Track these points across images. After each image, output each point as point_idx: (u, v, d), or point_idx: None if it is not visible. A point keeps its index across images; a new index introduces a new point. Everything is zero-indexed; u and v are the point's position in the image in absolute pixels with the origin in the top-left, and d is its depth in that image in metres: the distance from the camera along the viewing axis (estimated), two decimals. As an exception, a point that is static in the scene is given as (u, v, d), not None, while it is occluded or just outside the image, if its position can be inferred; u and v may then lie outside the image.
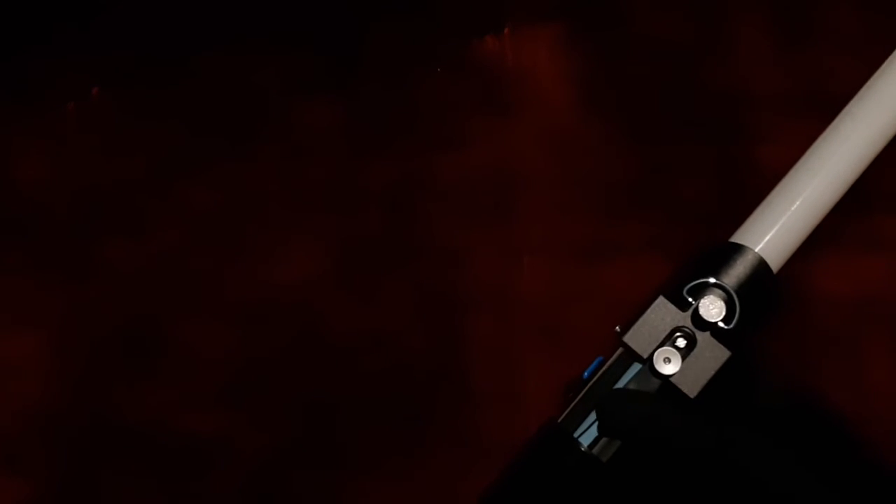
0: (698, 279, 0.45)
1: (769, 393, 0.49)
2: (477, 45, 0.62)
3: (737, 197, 0.56)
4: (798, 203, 0.46)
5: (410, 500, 0.55)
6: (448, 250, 0.58)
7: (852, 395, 0.54)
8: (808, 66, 0.59)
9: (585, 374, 0.46)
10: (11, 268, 0.61)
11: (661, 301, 0.45)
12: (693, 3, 0.61)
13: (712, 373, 0.43)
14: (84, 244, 0.61)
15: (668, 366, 0.43)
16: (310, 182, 0.60)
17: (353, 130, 0.61)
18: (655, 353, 0.44)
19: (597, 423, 0.44)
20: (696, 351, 0.44)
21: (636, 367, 0.45)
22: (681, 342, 0.44)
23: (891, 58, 0.49)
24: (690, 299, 0.44)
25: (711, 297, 0.44)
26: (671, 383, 0.43)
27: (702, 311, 0.44)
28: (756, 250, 0.45)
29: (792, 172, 0.48)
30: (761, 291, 0.45)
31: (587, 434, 0.44)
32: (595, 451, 0.44)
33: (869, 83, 0.49)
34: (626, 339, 0.44)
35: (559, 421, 0.45)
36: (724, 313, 0.44)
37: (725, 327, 0.44)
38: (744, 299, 0.44)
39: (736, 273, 0.45)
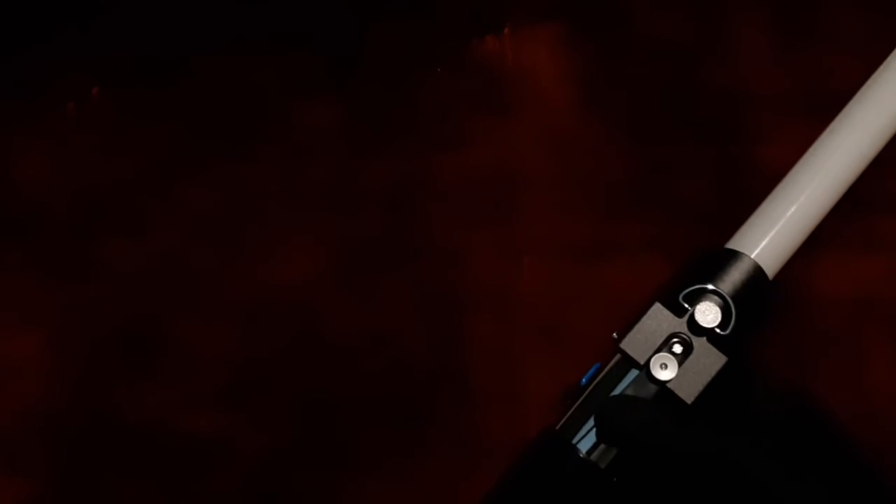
0: (694, 285, 0.45)
1: (769, 394, 0.49)
2: (477, 45, 0.62)
3: (737, 197, 0.56)
4: (793, 209, 0.46)
5: (410, 500, 0.55)
6: (448, 250, 0.58)
7: (852, 395, 0.54)
8: (808, 66, 0.59)
9: (583, 380, 0.46)
10: (11, 268, 0.61)
11: (657, 307, 0.45)
12: (693, 3, 0.61)
13: (709, 378, 0.43)
14: (84, 244, 0.61)
15: (665, 372, 0.43)
16: (310, 182, 0.60)
17: (353, 130, 0.61)
18: (652, 360, 0.44)
19: (594, 430, 0.44)
20: (692, 357, 0.44)
21: (634, 373, 0.45)
22: (677, 348, 0.44)
23: (885, 63, 0.49)
24: (686, 305, 0.44)
25: (707, 303, 0.44)
26: (668, 389, 0.43)
27: (697, 317, 0.44)
28: (752, 256, 0.45)
29: (787, 178, 0.48)
30: (757, 297, 0.45)
31: (586, 440, 0.44)
32: (594, 457, 0.44)
33: (863, 87, 0.49)
34: (623, 345, 0.44)
35: (557, 428, 0.45)
36: (719, 319, 0.44)
37: (721, 333, 0.44)
38: (740, 305, 0.44)
39: (731, 279, 0.45)
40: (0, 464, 0.57)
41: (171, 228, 0.60)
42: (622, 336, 0.45)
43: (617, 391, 0.45)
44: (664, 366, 0.43)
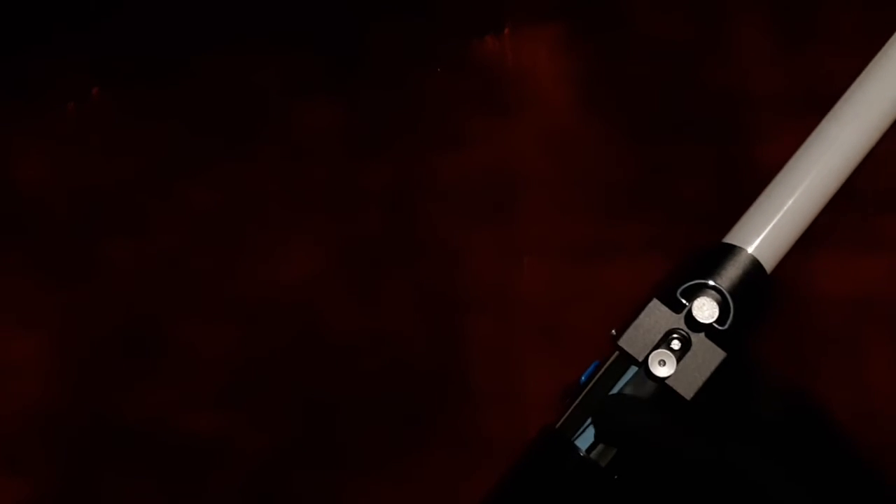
0: (692, 280, 0.45)
1: (768, 390, 0.49)
2: (477, 45, 0.62)
3: (737, 197, 0.55)
4: (790, 202, 0.46)
5: (410, 500, 0.55)
6: (448, 250, 0.58)
7: (852, 395, 0.54)
8: (808, 66, 0.59)
9: (582, 378, 0.46)
10: (11, 268, 0.61)
11: (654, 303, 0.45)
12: (693, 3, 0.61)
13: (708, 374, 0.43)
14: (84, 244, 0.61)
15: (663, 368, 0.43)
16: (310, 182, 0.60)
17: (353, 130, 0.61)
18: (650, 356, 0.44)
19: (593, 429, 0.44)
20: (690, 353, 0.44)
21: (633, 370, 0.45)
22: (675, 344, 0.44)
23: (879, 55, 0.49)
24: (684, 301, 0.44)
25: (705, 298, 0.44)
26: (667, 385, 0.43)
27: (695, 313, 0.44)
28: (749, 251, 0.45)
29: (783, 171, 0.48)
30: (755, 292, 0.45)
31: (585, 439, 0.44)
32: (593, 455, 0.44)
33: (857, 80, 0.49)
34: (621, 342, 0.44)
35: (557, 426, 0.45)
36: (717, 314, 0.44)
37: (720, 328, 0.44)
38: (738, 300, 0.44)
39: (729, 274, 0.45)
40: (0, 464, 0.57)
41: (172, 228, 0.61)
42: (620, 333, 0.45)
43: (616, 388, 0.45)
44: (662, 362, 0.43)
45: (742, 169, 0.57)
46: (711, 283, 0.45)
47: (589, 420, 0.45)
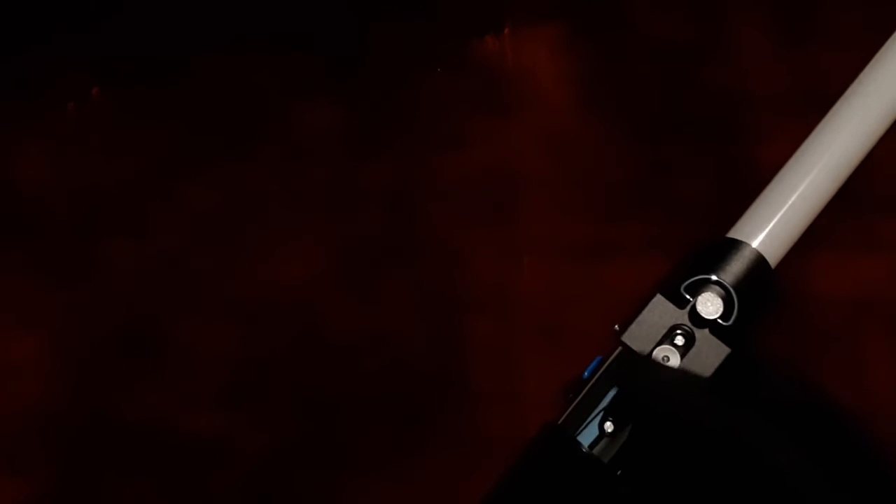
0: (696, 276, 0.45)
1: (772, 386, 0.49)
2: (477, 45, 0.62)
3: (737, 197, 0.56)
4: (794, 197, 0.46)
5: (410, 500, 0.55)
6: (448, 250, 0.58)
7: (852, 395, 0.54)
8: (808, 66, 0.59)
9: (585, 374, 0.46)
10: (11, 268, 0.61)
11: (658, 299, 0.45)
12: (693, 3, 0.61)
13: (712, 370, 0.43)
14: (84, 244, 0.61)
15: (668, 364, 0.43)
16: (310, 182, 0.60)
17: (353, 130, 0.61)
18: (654, 352, 0.44)
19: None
20: (694, 348, 0.44)
21: None
22: (679, 340, 0.44)
23: (883, 48, 0.49)
24: (688, 296, 0.44)
25: (709, 293, 0.44)
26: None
27: (699, 309, 0.44)
28: (753, 245, 0.45)
29: (787, 167, 0.47)
30: (760, 287, 0.45)
31: (587, 435, 0.44)
32: (596, 451, 0.44)
33: (860, 76, 0.49)
34: (625, 338, 0.44)
35: (560, 422, 0.45)
36: (721, 310, 0.43)
37: (724, 324, 0.44)
38: (742, 295, 0.44)
39: (733, 269, 0.45)
40: (0, 464, 0.57)
41: (172, 228, 0.60)
42: (624, 329, 0.44)
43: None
44: (666, 358, 0.43)
45: (742, 169, 0.57)
46: (716, 278, 0.44)
47: (591, 416, 0.44)
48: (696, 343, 0.44)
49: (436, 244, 0.59)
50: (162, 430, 0.57)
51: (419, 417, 0.56)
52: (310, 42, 0.63)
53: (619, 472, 0.44)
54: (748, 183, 0.56)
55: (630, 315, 0.45)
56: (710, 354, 0.43)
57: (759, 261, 0.45)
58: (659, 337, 0.44)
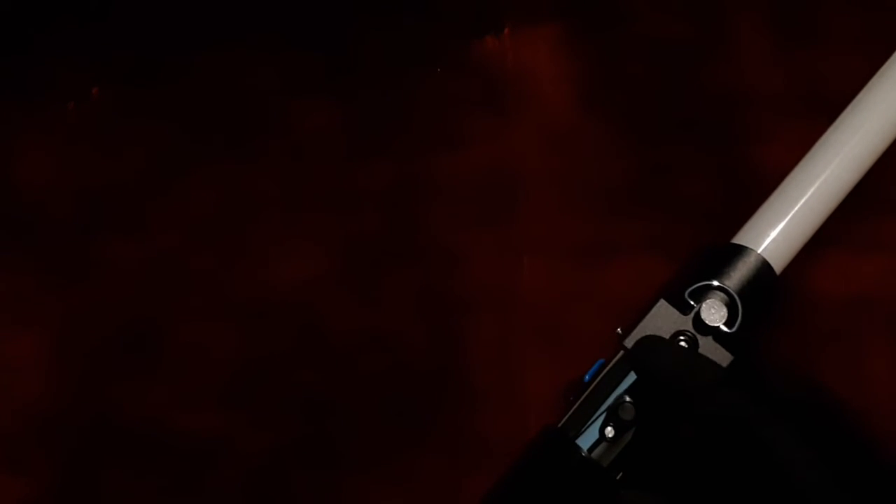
0: (700, 282, 0.44)
1: (776, 392, 0.49)
2: (477, 45, 0.62)
3: (737, 197, 0.56)
4: (801, 204, 0.45)
5: (410, 500, 0.55)
6: (448, 250, 0.58)
7: (852, 392, 0.54)
8: (808, 66, 0.59)
9: (587, 377, 0.46)
10: (11, 267, 0.61)
11: (662, 304, 0.44)
12: (693, 3, 0.61)
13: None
14: (84, 244, 0.61)
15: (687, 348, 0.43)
16: (310, 182, 0.60)
17: (352, 130, 0.61)
18: None
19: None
20: None
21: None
22: (683, 346, 0.44)
23: (892, 58, 0.49)
24: (692, 302, 0.44)
25: (713, 300, 0.43)
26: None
27: (703, 315, 0.43)
28: (759, 252, 0.45)
29: (794, 173, 0.47)
30: (764, 294, 0.45)
31: (587, 438, 0.44)
32: (595, 455, 0.44)
33: (870, 84, 0.49)
34: (628, 342, 0.44)
35: (560, 425, 0.45)
36: (725, 317, 0.43)
37: (728, 331, 0.43)
38: (746, 302, 0.44)
39: (738, 275, 0.44)
40: (0, 464, 0.57)
41: (171, 229, 0.60)
42: (626, 333, 0.44)
43: (620, 389, 0.44)
44: None
45: (742, 169, 0.57)
46: (720, 284, 0.44)
47: (591, 419, 0.44)
48: (700, 350, 0.43)
49: (436, 244, 0.59)
50: (162, 430, 0.57)
51: (419, 417, 0.56)
52: (309, 42, 0.63)
53: (618, 477, 0.44)
54: (748, 183, 0.57)
55: (631, 316, 0.45)
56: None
57: (765, 267, 0.44)
58: None
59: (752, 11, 0.60)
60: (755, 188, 0.50)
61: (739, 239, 0.46)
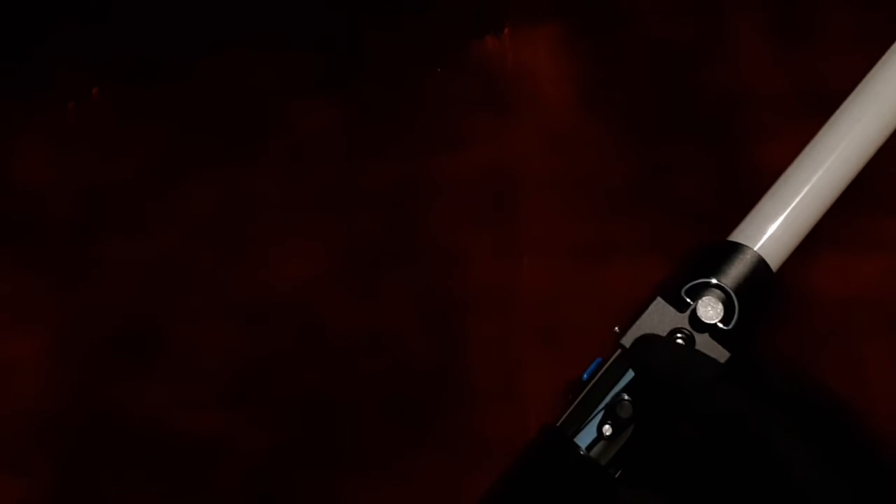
0: (696, 279, 0.44)
1: (773, 388, 0.49)
2: (477, 45, 0.62)
3: (737, 197, 0.56)
4: (797, 200, 0.45)
5: (410, 500, 0.55)
6: (448, 250, 0.58)
7: (851, 392, 0.54)
8: (808, 66, 0.59)
9: (585, 375, 0.46)
10: (11, 267, 0.61)
11: (658, 302, 0.44)
12: (693, 3, 0.61)
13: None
14: (84, 244, 0.61)
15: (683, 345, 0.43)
16: (310, 182, 0.60)
17: (353, 131, 0.61)
18: None
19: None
20: None
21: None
22: (679, 343, 0.44)
23: (888, 53, 0.49)
24: (688, 300, 0.44)
25: (710, 297, 0.43)
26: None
27: (700, 313, 0.43)
28: (755, 249, 0.45)
29: (790, 169, 0.47)
30: (761, 291, 0.45)
31: (585, 437, 0.44)
32: (593, 453, 0.44)
33: (865, 79, 0.49)
34: (625, 341, 0.44)
35: (558, 424, 0.45)
36: (722, 314, 0.43)
37: (724, 328, 0.43)
38: (743, 299, 0.44)
39: (735, 273, 0.44)
40: (0, 464, 0.57)
41: (171, 229, 0.61)
42: (624, 331, 0.44)
43: (618, 387, 0.44)
44: None
45: (742, 169, 0.57)
46: (717, 281, 0.44)
47: (590, 418, 0.44)
48: (697, 347, 0.43)
49: (436, 244, 0.59)
50: (162, 430, 0.57)
51: (419, 417, 0.56)
52: (310, 42, 0.63)
53: (617, 475, 0.44)
54: (748, 182, 0.56)
55: (630, 316, 0.45)
56: None
57: (761, 265, 0.44)
58: None
59: (751, 12, 0.60)
60: (755, 188, 0.50)
61: (735, 236, 0.46)
